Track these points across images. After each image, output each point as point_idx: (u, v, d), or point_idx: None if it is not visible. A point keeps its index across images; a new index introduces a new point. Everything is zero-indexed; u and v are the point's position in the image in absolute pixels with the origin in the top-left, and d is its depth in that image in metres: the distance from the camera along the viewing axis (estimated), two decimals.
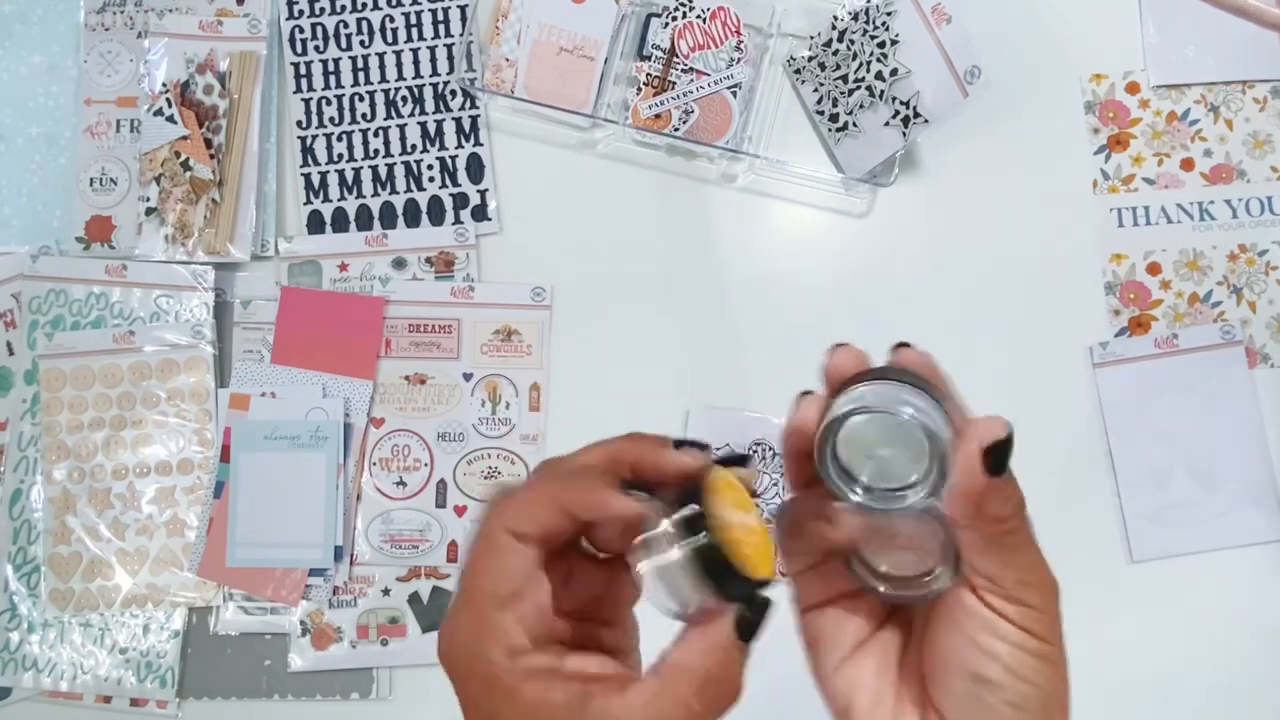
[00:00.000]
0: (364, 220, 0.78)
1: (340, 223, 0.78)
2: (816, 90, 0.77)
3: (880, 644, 0.37)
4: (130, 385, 0.75)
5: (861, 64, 0.74)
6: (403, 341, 0.76)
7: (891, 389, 0.33)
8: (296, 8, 0.80)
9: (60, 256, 0.77)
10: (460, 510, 0.75)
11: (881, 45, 0.73)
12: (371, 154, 0.79)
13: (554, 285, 0.77)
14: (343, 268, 0.77)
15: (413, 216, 0.78)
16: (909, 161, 0.78)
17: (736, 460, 0.36)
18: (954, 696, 0.33)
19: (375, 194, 0.79)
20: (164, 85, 0.77)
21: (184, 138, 0.76)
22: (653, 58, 0.76)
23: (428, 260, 0.78)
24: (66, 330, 0.76)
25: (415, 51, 0.80)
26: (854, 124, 0.75)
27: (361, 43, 0.80)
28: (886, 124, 0.74)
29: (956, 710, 0.34)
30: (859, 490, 0.33)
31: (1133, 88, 0.80)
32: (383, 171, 0.79)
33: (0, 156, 0.79)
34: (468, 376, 0.76)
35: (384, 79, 0.80)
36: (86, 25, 0.79)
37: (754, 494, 0.35)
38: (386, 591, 0.74)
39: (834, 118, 0.76)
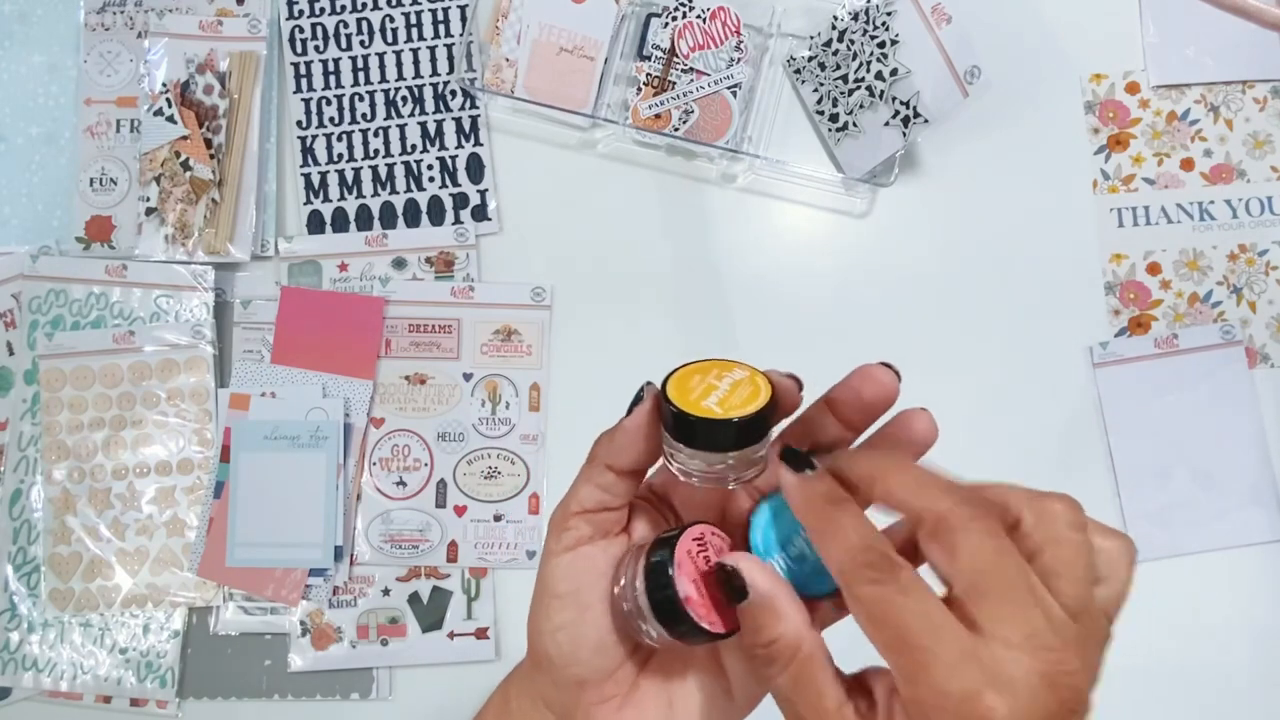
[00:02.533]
0: (364, 220, 0.78)
1: (340, 223, 0.78)
2: (816, 90, 0.77)
3: None
4: (130, 385, 0.75)
5: (861, 64, 0.74)
6: (403, 341, 0.76)
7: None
8: (296, 8, 0.80)
9: (60, 256, 0.77)
10: (460, 510, 0.75)
11: (881, 45, 0.73)
12: (371, 154, 0.79)
13: (554, 285, 0.77)
14: (343, 268, 0.77)
15: (413, 216, 0.78)
16: (909, 161, 0.78)
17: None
18: None
19: (375, 194, 0.79)
20: (164, 85, 0.77)
21: (184, 138, 0.76)
22: (653, 58, 0.76)
23: (428, 260, 0.78)
24: (66, 330, 0.76)
25: (415, 51, 0.80)
26: (854, 124, 0.75)
27: (361, 43, 0.80)
28: (886, 124, 0.74)
29: None
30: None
31: (1133, 88, 0.80)
32: (383, 171, 0.79)
33: (0, 156, 0.79)
34: (468, 376, 0.76)
35: (384, 79, 0.80)
36: (86, 25, 0.79)
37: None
38: (386, 591, 0.74)
39: (834, 118, 0.76)
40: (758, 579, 0.32)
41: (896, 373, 0.35)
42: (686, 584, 0.33)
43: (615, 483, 0.35)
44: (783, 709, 0.33)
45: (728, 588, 0.33)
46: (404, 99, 0.79)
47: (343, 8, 0.80)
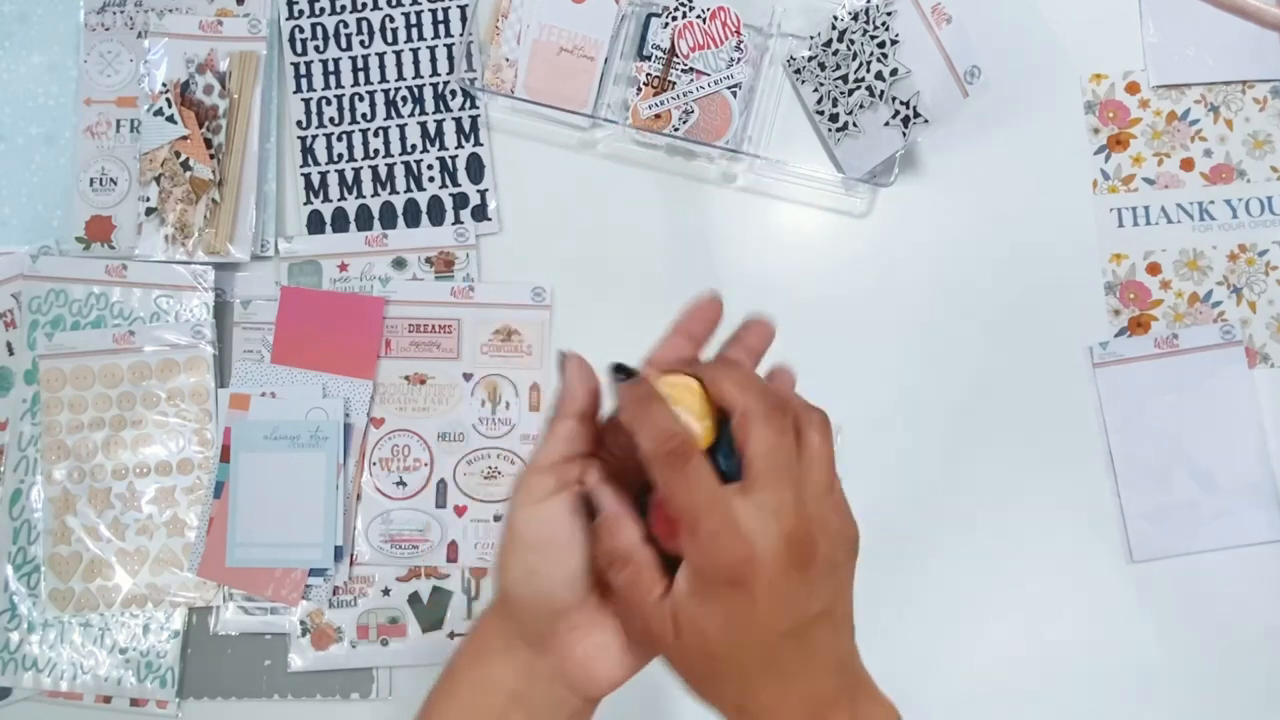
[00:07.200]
0: (364, 220, 0.78)
1: (340, 223, 0.78)
2: (816, 90, 0.77)
3: None
4: (130, 385, 0.75)
5: (861, 64, 0.74)
6: (403, 341, 0.76)
7: None
8: (296, 8, 0.80)
9: (60, 256, 0.77)
10: (460, 510, 0.75)
11: (881, 45, 0.73)
12: (371, 154, 0.79)
13: (554, 285, 0.77)
14: (343, 268, 0.77)
15: (413, 216, 0.78)
16: (909, 161, 0.78)
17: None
18: None
19: (375, 194, 0.79)
20: (164, 85, 0.77)
21: (184, 138, 0.76)
22: (653, 58, 0.76)
23: (428, 260, 0.78)
24: (66, 330, 0.76)
25: (415, 51, 0.80)
26: (854, 124, 0.75)
27: (361, 43, 0.80)
28: (886, 124, 0.74)
29: None
30: None
31: (1133, 88, 0.80)
32: (383, 171, 0.79)
33: (0, 156, 0.79)
34: (468, 376, 0.76)
35: (384, 79, 0.80)
36: (86, 25, 0.79)
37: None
38: (386, 591, 0.75)
39: (834, 118, 0.76)
40: (606, 503, 0.40)
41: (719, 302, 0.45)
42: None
43: (576, 430, 0.42)
44: (622, 603, 0.41)
45: (590, 507, 0.41)
46: (404, 99, 0.79)
47: (343, 8, 0.80)
